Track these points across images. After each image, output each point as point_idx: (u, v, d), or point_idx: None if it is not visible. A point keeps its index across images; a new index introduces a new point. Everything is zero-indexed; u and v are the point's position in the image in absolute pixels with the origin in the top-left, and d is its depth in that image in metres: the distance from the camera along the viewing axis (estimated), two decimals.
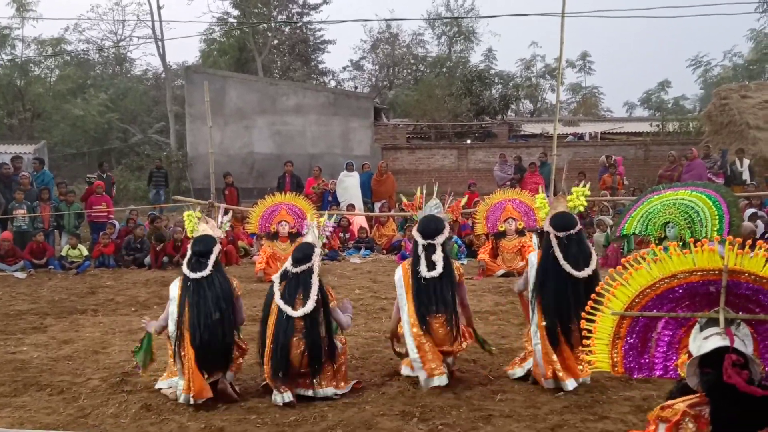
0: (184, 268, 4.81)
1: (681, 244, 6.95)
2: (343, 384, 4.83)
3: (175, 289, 4.81)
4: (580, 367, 4.69)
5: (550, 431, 4.06)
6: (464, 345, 5.00)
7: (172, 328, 4.75)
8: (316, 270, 4.79)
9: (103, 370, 5.51)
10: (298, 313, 4.64)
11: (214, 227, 5.18)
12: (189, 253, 4.89)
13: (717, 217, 7.07)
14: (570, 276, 4.68)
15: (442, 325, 4.83)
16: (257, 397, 4.81)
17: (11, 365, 5.70)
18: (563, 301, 4.65)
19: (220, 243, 5.10)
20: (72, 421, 4.42)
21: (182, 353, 4.63)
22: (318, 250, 4.93)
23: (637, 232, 7.69)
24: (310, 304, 4.65)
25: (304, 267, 4.78)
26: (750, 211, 11.12)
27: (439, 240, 4.93)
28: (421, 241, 4.95)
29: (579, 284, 4.64)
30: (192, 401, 4.56)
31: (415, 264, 4.91)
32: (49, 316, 7.84)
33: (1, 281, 10.41)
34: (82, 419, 4.46)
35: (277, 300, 4.71)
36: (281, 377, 4.61)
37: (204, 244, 4.87)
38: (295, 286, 4.73)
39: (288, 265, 4.87)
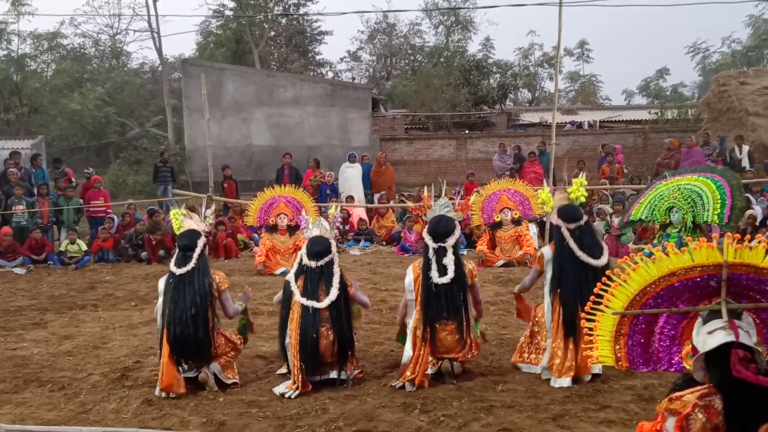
0: (171, 265, 4.89)
1: (685, 228, 7.06)
2: (352, 367, 4.90)
3: (162, 285, 4.93)
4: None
5: (552, 421, 4.05)
6: (470, 355, 4.84)
7: (159, 322, 4.86)
8: (336, 260, 4.85)
9: (103, 365, 5.51)
10: (324, 303, 4.68)
11: (198, 221, 5.20)
12: (176, 250, 4.96)
13: (719, 201, 7.06)
14: (587, 265, 4.68)
15: (451, 333, 4.71)
16: (258, 390, 4.81)
17: (12, 361, 5.71)
18: (585, 292, 4.42)
19: (208, 235, 5.16)
20: (73, 417, 4.42)
21: (161, 348, 4.76)
22: (334, 242, 4.96)
23: (643, 218, 7.71)
24: (334, 292, 4.72)
25: (326, 259, 4.81)
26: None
27: (450, 242, 4.76)
28: (431, 244, 4.77)
29: (597, 273, 4.58)
30: (164, 394, 4.66)
31: (426, 269, 4.74)
32: (49, 311, 7.83)
33: (1, 277, 10.41)
34: (83, 415, 4.47)
35: (299, 299, 4.72)
36: (311, 370, 4.67)
37: (189, 238, 4.93)
38: (318, 279, 4.76)
39: (305, 260, 4.85)
